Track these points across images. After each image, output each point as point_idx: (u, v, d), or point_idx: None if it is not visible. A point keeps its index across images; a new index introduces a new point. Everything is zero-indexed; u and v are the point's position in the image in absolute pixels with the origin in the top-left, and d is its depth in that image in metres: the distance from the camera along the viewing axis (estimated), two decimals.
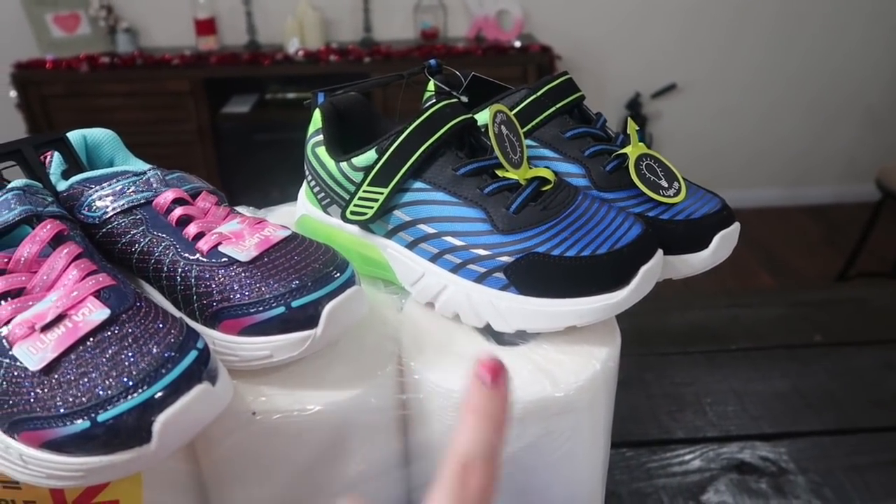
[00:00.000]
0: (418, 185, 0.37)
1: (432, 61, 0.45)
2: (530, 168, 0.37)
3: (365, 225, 0.39)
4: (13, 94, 2.25)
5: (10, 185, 0.32)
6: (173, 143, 2.34)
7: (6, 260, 0.29)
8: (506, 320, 0.35)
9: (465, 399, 0.24)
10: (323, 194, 0.41)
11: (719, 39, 2.49)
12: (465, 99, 0.45)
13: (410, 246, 0.38)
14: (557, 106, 0.42)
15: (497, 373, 0.25)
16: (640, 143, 0.40)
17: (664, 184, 0.40)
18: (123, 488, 0.32)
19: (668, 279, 0.40)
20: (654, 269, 0.35)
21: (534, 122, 0.42)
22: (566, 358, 0.34)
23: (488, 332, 0.36)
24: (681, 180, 0.40)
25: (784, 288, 2.12)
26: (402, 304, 0.39)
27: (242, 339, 0.31)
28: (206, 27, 2.42)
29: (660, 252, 0.35)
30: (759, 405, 0.70)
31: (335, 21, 2.44)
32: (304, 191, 0.44)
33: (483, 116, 0.41)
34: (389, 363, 0.34)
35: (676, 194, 0.39)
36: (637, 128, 0.40)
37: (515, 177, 0.36)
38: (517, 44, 2.26)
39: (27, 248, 0.30)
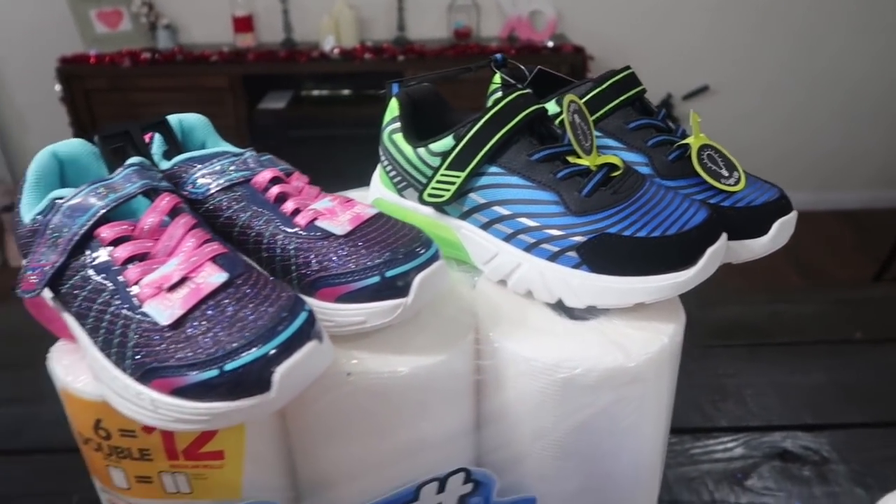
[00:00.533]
0: (494, 169, 0.39)
1: (498, 55, 0.48)
2: (599, 155, 0.39)
3: (440, 207, 0.42)
4: (58, 87, 2.31)
5: (128, 162, 0.35)
6: None
7: (131, 228, 0.32)
8: (578, 296, 0.37)
9: None
10: (399, 178, 0.44)
11: (747, 40, 2.48)
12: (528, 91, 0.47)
13: (485, 227, 0.40)
14: (621, 98, 0.44)
15: None
16: (702, 135, 0.42)
17: (725, 173, 0.42)
18: (229, 439, 0.35)
19: (726, 263, 0.42)
20: (720, 251, 0.37)
21: (598, 114, 0.44)
22: (635, 332, 0.36)
23: (559, 307, 0.38)
24: (740, 170, 0.42)
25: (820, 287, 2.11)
26: (474, 281, 0.42)
27: (339, 306, 0.34)
28: (243, 24, 2.46)
29: (724, 235, 0.37)
30: (800, 397, 0.72)
31: (370, 20, 2.47)
32: (378, 175, 0.47)
33: (550, 107, 0.44)
34: (469, 333, 0.37)
35: (736, 183, 0.41)
36: (699, 119, 0.42)
37: (586, 163, 0.38)
38: (550, 44, 2.28)
39: (150, 218, 0.33)
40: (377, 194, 0.46)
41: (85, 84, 2.31)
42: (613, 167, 0.39)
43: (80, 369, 0.35)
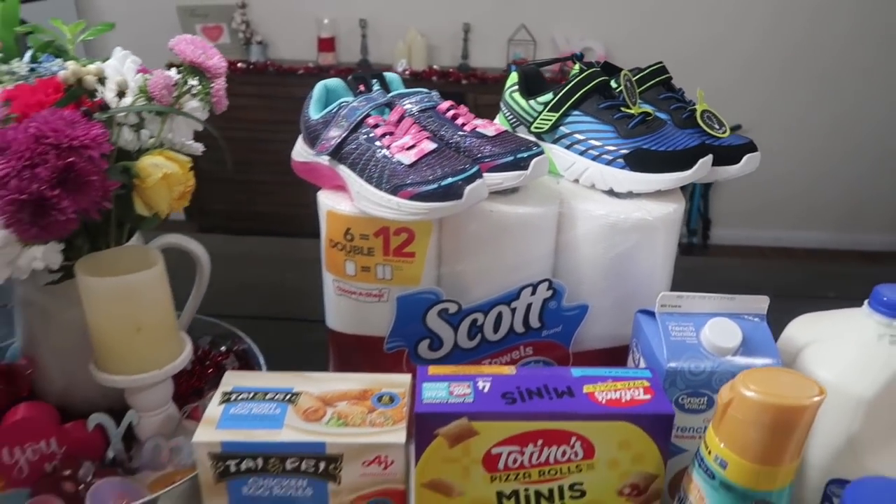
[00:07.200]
0: (576, 112, 0.67)
1: (578, 52, 0.75)
2: (639, 107, 0.66)
3: (539, 136, 0.69)
4: None
5: (376, 89, 0.63)
6: (288, 142, 2.71)
7: (383, 120, 0.60)
8: (623, 185, 0.64)
9: None
10: (514, 119, 0.71)
11: (776, 83, 2.73)
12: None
13: (568, 147, 0.67)
14: (655, 80, 0.71)
15: None
16: (704, 104, 0.69)
17: (717, 126, 0.68)
18: (419, 245, 0.61)
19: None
20: (707, 163, 0.63)
21: (641, 88, 0.71)
22: (654, 205, 0.63)
23: (612, 193, 0.65)
24: (727, 126, 0.69)
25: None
26: (557, 181, 0.68)
27: (489, 174, 0.61)
28: (326, 45, 2.80)
29: (710, 155, 0.64)
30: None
31: (438, 47, 2.79)
32: (498, 119, 0.74)
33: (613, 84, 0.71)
34: (557, 199, 0.64)
35: (724, 133, 0.68)
36: (703, 93, 0.69)
37: (633, 111, 0.65)
38: None
39: (393, 116, 0.60)
40: None
41: None
42: (648, 114, 0.65)
43: (338, 200, 0.62)
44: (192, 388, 0.72)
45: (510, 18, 2.72)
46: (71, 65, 0.56)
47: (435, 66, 2.71)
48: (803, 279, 1.12)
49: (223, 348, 0.78)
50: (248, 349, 0.77)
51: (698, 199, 3.02)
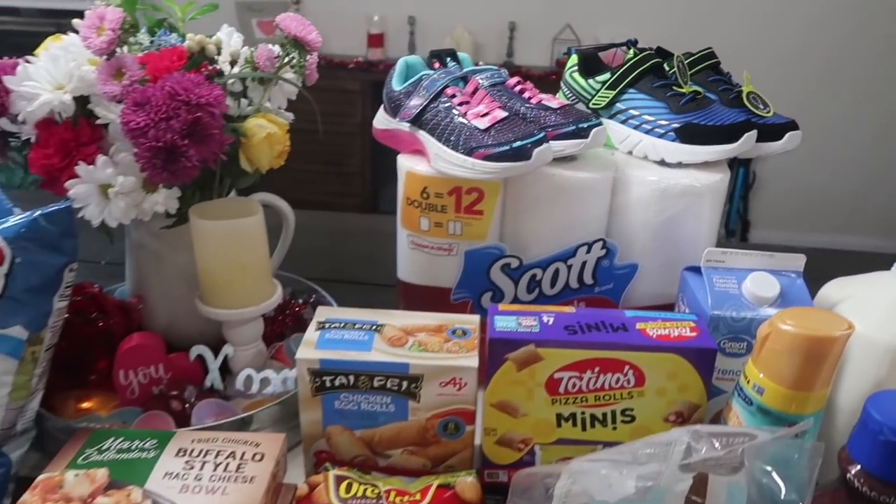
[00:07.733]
0: (631, 90, 0.73)
1: (632, 38, 0.82)
2: (689, 86, 0.73)
3: (597, 111, 0.76)
4: None
5: (451, 64, 0.70)
6: (337, 133, 2.82)
7: (459, 91, 0.68)
8: (673, 156, 0.70)
9: None
10: (573, 97, 0.78)
11: (815, 86, 2.73)
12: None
13: (623, 122, 0.74)
14: (705, 63, 0.77)
15: None
16: (750, 86, 0.75)
17: (761, 107, 0.74)
18: (488, 203, 0.69)
19: None
20: (751, 138, 0.69)
21: (691, 71, 0.77)
22: (701, 174, 0.69)
23: (663, 163, 0.71)
24: (771, 107, 0.74)
25: None
26: (612, 152, 0.75)
27: (552, 142, 0.68)
28: (376, 41, 2.90)
29: (755, 130, 0.70)
30: None
31: (484, 44, 2.87)
32: (559, 96, 0.81)
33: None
34: (613, 166, 0.70)
35: (768, 112, 0.74)
36: (749, 76, 0.75)
37: (684, 90, 0.72)
38: None
39: (469, 88, 0.68)
40: None
41: None
42: (698, 92, 0.72)
43: (416, 162, 0.70)
44: (275, 333, 0.80)
45: (555, 18, 2.78)
46: (195, 36, 0.65)
47: (480, 63, 2.78)
48: (840, 267, 1.16)
49: (301, 300, 0.86)
50: (325, 301, 0.85)
51: (738, 200, 3.04)
